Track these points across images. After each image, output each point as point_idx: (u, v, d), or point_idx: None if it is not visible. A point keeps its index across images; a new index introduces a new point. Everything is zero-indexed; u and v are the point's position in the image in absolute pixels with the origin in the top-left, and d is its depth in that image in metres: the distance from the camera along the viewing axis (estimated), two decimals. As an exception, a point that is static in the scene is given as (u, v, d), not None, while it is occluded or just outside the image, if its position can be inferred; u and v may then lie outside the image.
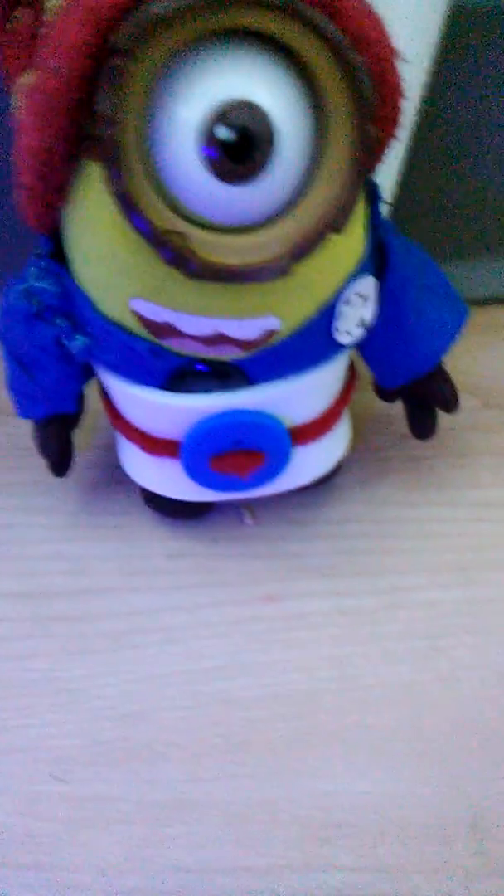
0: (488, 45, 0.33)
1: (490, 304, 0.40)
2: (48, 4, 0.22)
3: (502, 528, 0.31)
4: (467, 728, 0.25)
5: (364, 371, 0.30)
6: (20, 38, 0.25)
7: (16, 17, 0.26)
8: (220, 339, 0.22)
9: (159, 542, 0.31)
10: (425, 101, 0.29)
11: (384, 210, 0.25)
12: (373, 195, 0.24)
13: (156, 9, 0.16)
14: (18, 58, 0.25)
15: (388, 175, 0.28)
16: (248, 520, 0.31)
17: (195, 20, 0.17)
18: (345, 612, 0.28)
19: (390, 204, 0.29)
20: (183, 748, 0.25)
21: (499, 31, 0.33)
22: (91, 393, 0.30)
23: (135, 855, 0.23)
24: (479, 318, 0.39)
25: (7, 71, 0.26)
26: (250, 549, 0.30)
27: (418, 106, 0.28)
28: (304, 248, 0.19)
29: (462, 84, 0.34)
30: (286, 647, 0.28)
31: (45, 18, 0.23)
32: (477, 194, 0.37)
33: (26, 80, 0.24)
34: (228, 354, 0.23)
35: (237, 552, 0.30)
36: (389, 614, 0.28)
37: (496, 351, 0.38)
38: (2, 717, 0.26)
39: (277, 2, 0.16)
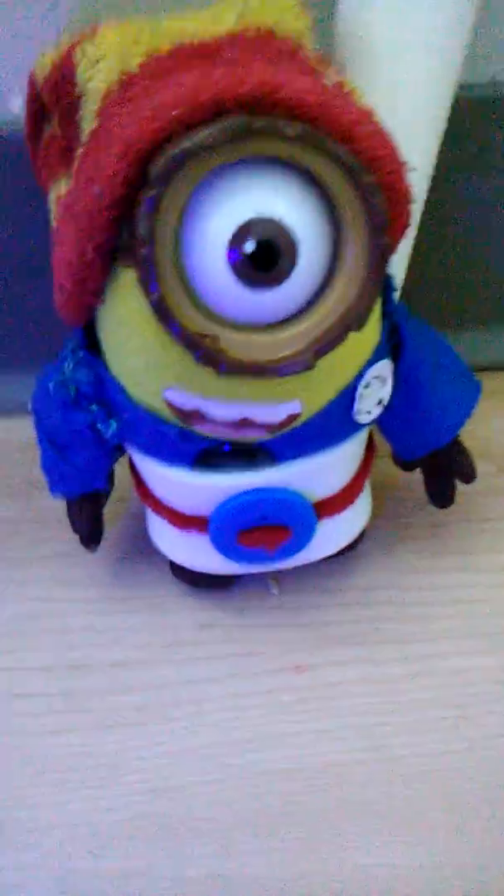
0: (488, 130, 0.35)
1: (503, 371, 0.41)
2: (84, 125, 0.24)
3: (525, 592, 0.31)
4: (498, 797, 0.26)
5: (384, 440, 0.31)
6: (55, 148, 0.27)
7: (49, 128, 0.28)
8: (245, 424, 0.24)
9: (189, 613, 0.32)
10: (433, 191, 0.30)
11: (396, 296, 0.27)
12: (386, 285, 0.26)
13: (186, 144, 0.18)
14: (53, 166, 0.27)
15: (399, 262, 0.30)
16: (275, 590, 0.32)
17: (222, 150, 0.18)
18: (373, 680, 0.29)
19: (402, 288, 0.30)
20: (217, 822, 0.26)
21: (494, 123, 0.35)
22: (121, 464, 0.31)
23: (173, 933, 0.23)
24: (494, 385, 0.40)
25: (42, 176, 0.28)
26: (278, 618, 0.31)
27: (425, 198, 0.30)
28: (326, 345, 0.21)
29: (466, 167, 0.36)
30: (316, 718, 0.28)
31: (79, 134, 0.25)
32: (489, 269, 0.39)
33: (62, 189, 0.26)
34: (254, 436, 0.25)
35: (265, 622, 0.31)
36: (417, 683, 0.29)
37: (511, 416, 0.39)
38: (38, 792, 0.27)
39: (295, 134, 0.18)
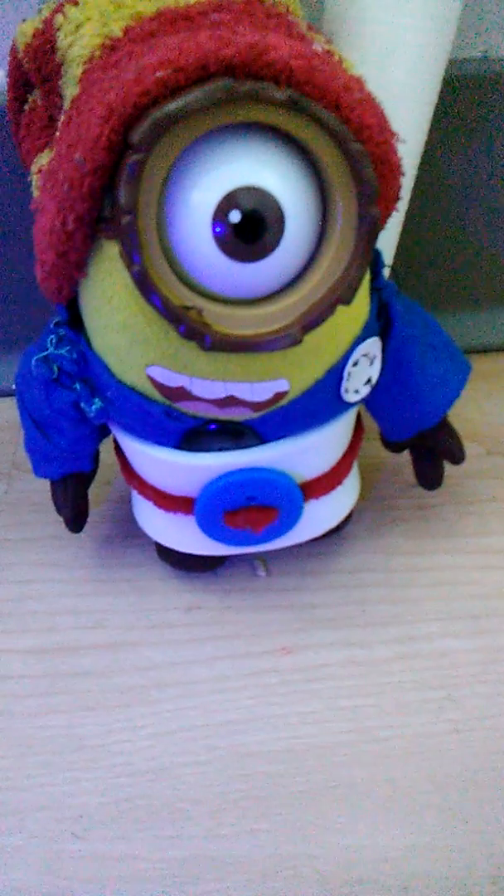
0: (478, 110, 0.35)
1: (493, 353, 0.41)
2: (65, 92, 0.24)
3: (512, 574, 0.31)
4: (483, 778, 0.25)
5: (372, 422, 0.31)
6: (37, 120, 0.27)
7: (31, 99, 0.27)
8: (231, 402, 0.23)
9: (174, 596, 0.31)
10: (422, 167, 0.30)
11: (386, 273, 0.26)
12: (375, 261, 0.25)
13: (170, 107, 0.17)
14: (36, 139, 0.27)
15: (388, 239, 0.30)
16: (261, 571, 0.32)
17: (207, 116, 0.18)
18: (359, 662, 0.29)
19: (392, 267, 0.30)
20: (202, 804, 0.26)
21: (487, 99, 0.34)
22: (105, 447, 0.31)
23: (157, 915, 0.23)
24: (482, 367, 0.40)
25: (24, 150, 0.27)
26: (264, 600, 0.31)
27: (416, 174, 0.30)
28: (313, 320, 0.20)
29: (456, 147, 0.35)
30: (302, 700, 0.28)
31: (60, 102, 0.25)
32: (478, 249, 0.39)
33: (44, 161, 0.25)
34: (240, 415, 0.24)
35: (251, 604, 0.31)
36: (402, 664, 0.29)
37: (500, 399, 0.39)
38: (22, 774, 0.27)
39: (282, 98, 0.17)
